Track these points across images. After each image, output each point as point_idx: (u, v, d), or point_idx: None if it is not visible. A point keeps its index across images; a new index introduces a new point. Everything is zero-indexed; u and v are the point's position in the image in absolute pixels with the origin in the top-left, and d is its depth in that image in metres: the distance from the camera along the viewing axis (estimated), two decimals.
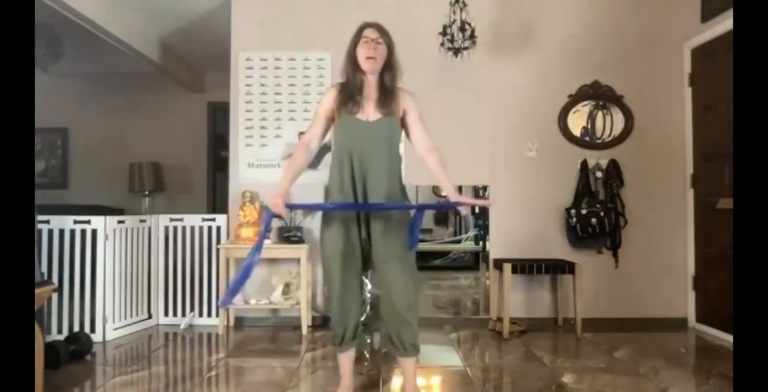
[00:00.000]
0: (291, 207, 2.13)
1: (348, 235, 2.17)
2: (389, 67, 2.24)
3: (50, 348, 2.78)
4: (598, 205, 3.76)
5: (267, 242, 3.71)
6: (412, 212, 2.26)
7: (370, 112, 2.20)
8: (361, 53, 2.19)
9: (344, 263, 2.17)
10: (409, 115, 2.25)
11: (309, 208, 2.16)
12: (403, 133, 2.31)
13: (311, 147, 2.25)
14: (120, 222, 3.56)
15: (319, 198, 3.84)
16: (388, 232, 2.16)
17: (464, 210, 2.18)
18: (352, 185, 2.17)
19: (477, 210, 4.14)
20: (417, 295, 2.23)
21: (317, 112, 2.28)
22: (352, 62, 2.23)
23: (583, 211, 3.75)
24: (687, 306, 3.85)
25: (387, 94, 2.21)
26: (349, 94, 2.20)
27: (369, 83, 2.23)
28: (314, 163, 3.95)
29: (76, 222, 3.43)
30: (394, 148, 2.22)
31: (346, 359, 2.32)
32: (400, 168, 2.28)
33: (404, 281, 2.16)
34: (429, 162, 2.24)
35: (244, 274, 2.17)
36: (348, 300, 2.21)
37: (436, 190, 3.99)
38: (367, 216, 2.19)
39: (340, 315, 2.23)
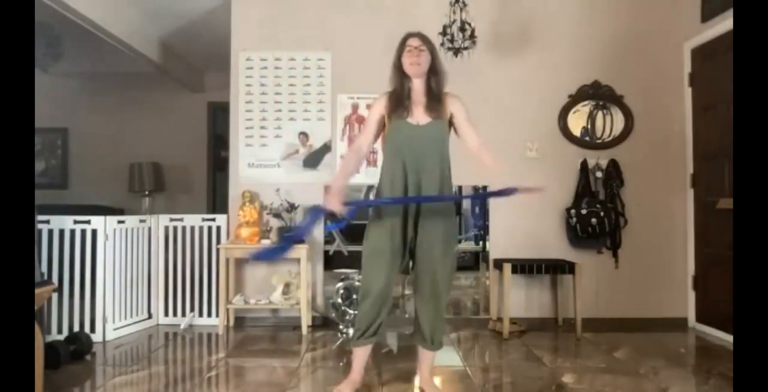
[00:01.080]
0: (348, 204, 2.27)
1: (395, 234, 2.28)
2: (434, 72, 2.37)
3: (50, 348, 2.78)
4: (598, 205, 3.76)
5: (267, 242, 3.71)
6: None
7: (420, 116, 2.32)
8: (406, 61, 2.32)
9: (390, 261, 2.28)
10: (456, 117, 2.37)
11: (366, 205, 2.29)
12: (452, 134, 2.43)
13: (362, 153, 2.41)
14: (120, 222, 3.56)
15: (319, 198, 3.85)
16: (437, 231, 2.29)
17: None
18: (403, 186, 2.29)
19: (477, 210, 4.14)
20: (449, 292, 2.41)
21: (369, 119, 2.42)
22: (399, 70, 2.36)
23: (583, 211, 3.75)
24: (687, 306, 3.85)
25: (435, 99, 2.34)
26: (398, 100, 2.34)
27: (416, 89, 2.36)
28: (314, 163, 3.96)
29: (76, 222, 3.43)
30: (444, 150, 2.35)
31: (362, 353, 2.40)
32: (450, 168, 2.38)
33: (447, 281, 2.33)
34: (483, 157, 2.38)
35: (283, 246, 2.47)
36: (385, 297, 2.31)
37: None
38: (416, 216, 2.30)
39: (372, 310, 2.31)
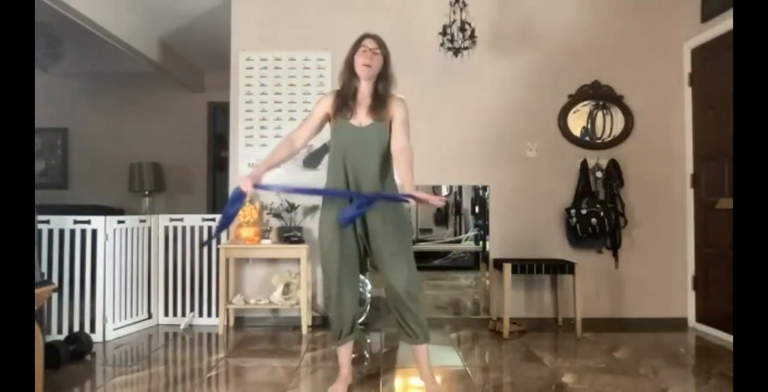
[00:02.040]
0: (258, 187, 2.29)
1: (344, 235, 2.32)
2: (383, 77, 2.38)
3: (50, 348, 2.78)
4: (598, 205, 3.76)
5: (266, 242, 3.71)
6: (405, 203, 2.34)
7: (362, 117, 2.34)
8: (358, 61, 2.33)
9: (341, 260, 2.32)
10: (394, 119, 2.37)
11: (277, 190, 2.32)
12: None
13: (295, 145, 2.40)
14: (120, 222, 3.56)
15: (319, 198, 3.85)
16: (387, 227, 2.30)
17: (411, 204, 2.26)
18: (345, 185, 2.33)
19: (477, 210, 4.14)
20: (419, 286, 2.38)
21: (311, 114, 2.43)
22: (349, 69, 2.37)
23: (583, 211, 3.75)
24: (687, 306, 3.85)
25: (379, 101, 2.35)
26: (343, 99, 2.36)
27: (362, 90, 2.37)
28: (314, 164, 3.96)
29: (76, 222, 3.43)
30: (385, 151, 2.36)
31: (344, 351, 2.46)
32: (392, 169, 2.41)
33: (405, 271, 2.30)
34: (398, 160, 2.31)
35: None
36: (345, 295, 2.36)
37: (435, 190, 4.00)
38: (363, 216, 2.31)
39: (338, 311, 2.38)
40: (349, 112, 2.33)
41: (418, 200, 2.15)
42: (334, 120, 2.37)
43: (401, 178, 2.28)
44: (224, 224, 2.45)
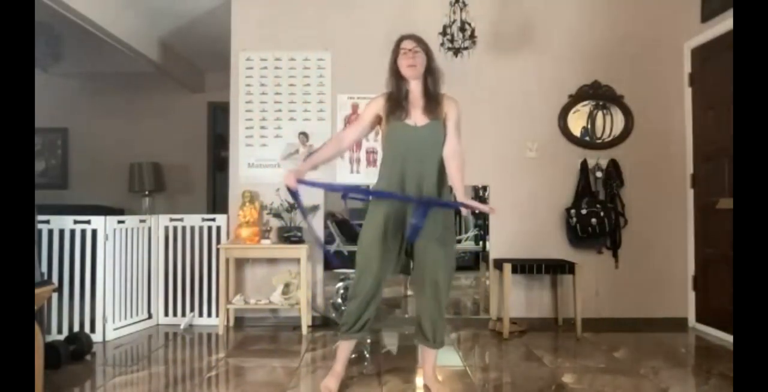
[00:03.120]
0: (302, 183, 2.30)
1: (388, 234, 2.30)
2: (430, 73, 2.37)
3: (50, 348, 2.78)
4: (598, 205, 3.76)
5: (266, 242, 3.71)
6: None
7: (417, 117, 2.33)
8: (402, 63, 2.33)
9: (382, 256, 2.29)
10: (448, 120, 2.37)
11: (322, 187, 2.34)
12: None
13: (343, 144, 2.43)
14: (120, 222, 3.56)
15: (319, 197, 3.85)
16: (436, 235, 2.29)
17: (465, 211, 2.33)
18: (402, 186, 2.30)
19: (477, 210, 4.13)
20: (448, 296, 2.41)
21: (362, 116, 2.43)
22: (395, 73, 2.37)
23: (583, 211, 3.75)
24: (687, 306, 3.85)
25: (432, 100, 2.35)
26: (396, 101, 2.34)
27: (413, 90, 2.37)
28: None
29: (76, 222, 3.43)
30: (442, 152, 2.35)
31: (345, 346, 2.45)
32: (445, 170, 2.38)
33: (441, 281, 2.31)
34: (449, 164, 2.33)
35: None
36: (374, 294, 2.34)
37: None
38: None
39: (360, 307, 2.35)
40: (404, 113, 2.31)
41: (469, 207, 2.17)
42: (387, 122, 2.35)
43: (452, 183, 2.31)
44: (305, 215, 2.68)
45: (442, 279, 2.31)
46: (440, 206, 2.29)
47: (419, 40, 2.36)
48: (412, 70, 2.31)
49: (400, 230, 2.31)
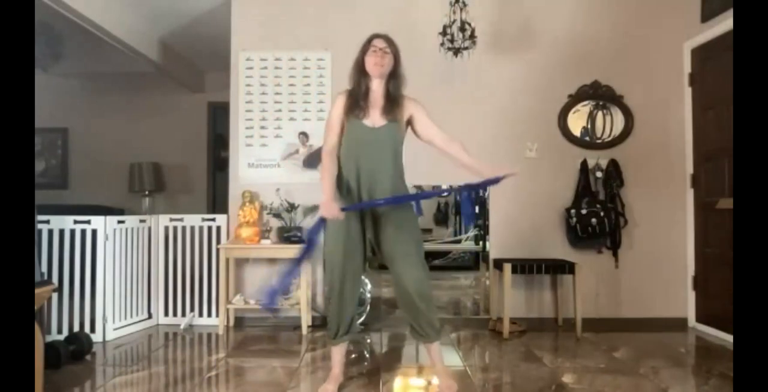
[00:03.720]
0: (345, 209, 2.27)
1: (350, 234, 2.32)
2: (394, 76, 2.39)
3: (50, 348, 2.78)
4: (598, 205, 3.76)
5: (266, 242, 3.71)
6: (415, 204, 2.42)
7: (376, 118, 2.35)
8: (369, 60, 2.34)
9: (345, 260, 2.32)
10: (417, 117, 2.40)
11: (361, 207, 2.32)
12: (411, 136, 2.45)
13: (335, 154, 2.41)
14: (120, 222, 3.56)
15: (319, 197, 3.84)
16: (400, 230, 2.32)
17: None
18: (357, 187, 2.33)
19: (477, 210, 4.14)
20: (430, 286, 2.37)
21: (330, 121, 2.41)
22: (360, 69, 2.38)
23: (583, 211, 3.75)
24: (687, 306, 3.85)
25: (392, 101, 2.37)
26: (355, 100, 2.35)
27: (374, 90, 2.40)
28: (314, 163, 3.95)
29: (76, 222, 3.43)
30: (398, 152, 2.39)
31: (337, 351, 2.49)
32: (403, 170, 2.42)
33: (418, 272, 2.31)
34: (453, 151, 2.38)
35: (287, 279, 2.45)
36: (345, 294, 2.36)
37: (434, 189, 3.99)
38: (374, 216, 2.34)
39: (337, 309, 2.39)
40: (362, 112, 2.33)
41: (504, 177, 2.24)
42: (347, 120, 2.35)
43: (464, 163, 2.35)
44: (307, 251, 2.35)
45: (415, 276, 2.29)
46: (482, 187, 2.39)
47: (391, 42, 2.37)
48: (377, 68, 2.32)
49: (360, 229, 2.34)
